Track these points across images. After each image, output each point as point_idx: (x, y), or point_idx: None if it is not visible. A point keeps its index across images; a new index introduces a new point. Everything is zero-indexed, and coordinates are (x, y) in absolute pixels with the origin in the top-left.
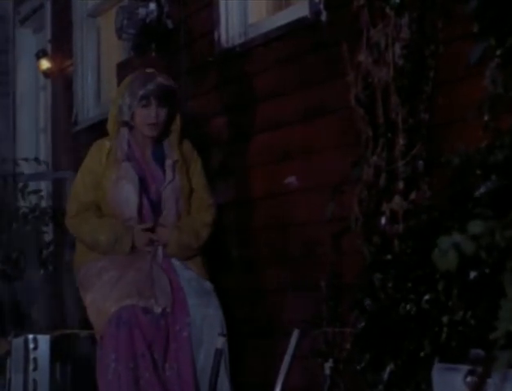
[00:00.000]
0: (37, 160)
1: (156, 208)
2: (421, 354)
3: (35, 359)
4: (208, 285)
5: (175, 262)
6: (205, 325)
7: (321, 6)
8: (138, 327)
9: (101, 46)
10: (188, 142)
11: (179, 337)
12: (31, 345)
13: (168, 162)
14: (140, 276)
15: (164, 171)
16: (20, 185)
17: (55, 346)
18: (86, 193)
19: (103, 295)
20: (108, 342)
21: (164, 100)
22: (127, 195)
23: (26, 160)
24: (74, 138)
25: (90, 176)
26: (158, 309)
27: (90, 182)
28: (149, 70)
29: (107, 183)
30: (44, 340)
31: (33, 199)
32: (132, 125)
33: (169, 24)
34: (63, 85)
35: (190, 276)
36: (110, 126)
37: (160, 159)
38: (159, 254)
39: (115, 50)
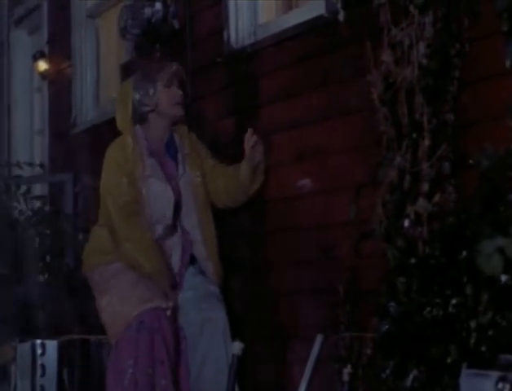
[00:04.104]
0: (42, 166)
1: (177, 203)
2: (448, 360)
3: (42, 365)
4: (214, 289)
5: (189, 269)
6: (207, 328)
7: (338, 5)
8: (160, 332)
9: (100, 46)
10: (193, 134)
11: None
12: (38, 351)
13: (180, 155)
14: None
15: (176, 164)
16: (23, 190)
17: (62, 351)
18: (125, 192)
19: (121, 298)
20: (126, 347)
21: (181, 83)
22: (157, 192)
23: (31, 164)
24: (72, 140)
25: (123, 174)
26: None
27: (125, 181)
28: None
29: (136, 181)
30: (52, 346)
31: (36, 203)
32: (147, 119)
33: (176, 23)
34: (60, 86)
35: (198, 281)
36: (124, 124)
37: (172, 151)
38: (173, 267)
39: (114, 51)
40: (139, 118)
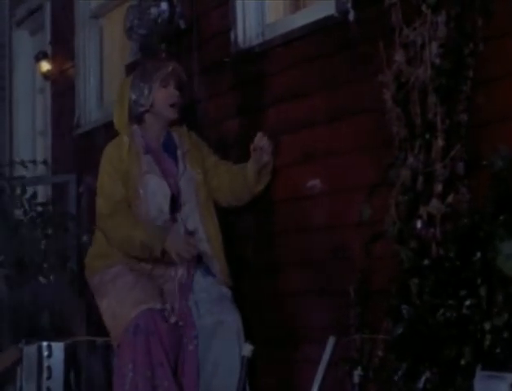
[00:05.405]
0: (45, 162)
1: (175, 201)
2: (462, 362)
3: (49, 367)
4: (225, 291)
5: (198, 270)
6: (219, 331)
7: (349, 5)
8: (156, 333)
9: (104, 47)
10: (193, 133)
11: (186, 350)
12: (45, 353)
13: (179, 152)
14: (154, 283)
15: (175, 162)
16: (29, 194)
17: (69, 353)
18: (118, 191)
19: (119, 301)
20: (125, 351)
21: (178, 83)
22: (154, 188)
23: (34, 162)
24: (76, 141)
25: (117, 174)
26: (173, 319)
27: (118, 180)
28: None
29: (132, 179)
30: (58, 348)
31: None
32: (144, 119)
33: (182, 24)
34: (63, 87)
35: (208, 283)
36: (121, 124)
37: (171, 149)
38: (177, 268)
39: (118, 52)
40: (136, 118)
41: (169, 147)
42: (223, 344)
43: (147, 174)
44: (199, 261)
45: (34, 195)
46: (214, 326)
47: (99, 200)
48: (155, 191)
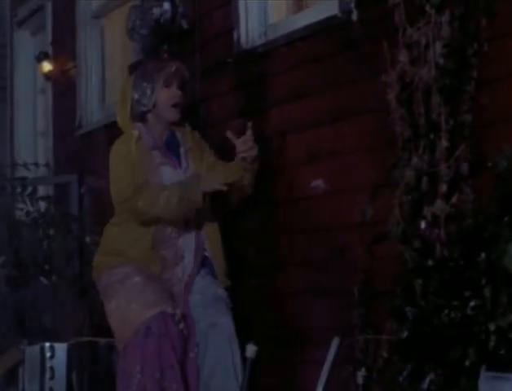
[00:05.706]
0: (47, 165)
1: None
2: (466, 363)
3: (52, 368)
4: (221, 292)
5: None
6: (212, 333)
7: (352, 5)
8: (167, 336)
9: (105, 47)
10: (196, 132)
11: (187, 357)
12: (48, 354)
13: (182, 150)
14: (163, 286)
15: (178, 159)
16: (29, 191)
17: (72, 354)
18: (137, 176)
19: (128, 302)
20: (133, 352)
21: (181, 83)
22: (170, 177)
23: (37, 164)
24: (77, 142)
25: (126, 165)
26: (182, 325)
27: (128, 171)
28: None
29: (144, 172)
30: (61, 349)
31: (42, 205)
32: (146, 119)
33: (184, 24)
34: (65, 87)
35: (206, 283)
36: (124, 123)
37: (173, 147)
38: (185, 269)
39: (120, 52)
40: (138, 117)
41: (172, 145)
42: (216, 347)
43: (161, 166)
44: (202, 263)
45: (34, 191)
46: (207, 328)
47: (118, 186)
48: (170, 180)
